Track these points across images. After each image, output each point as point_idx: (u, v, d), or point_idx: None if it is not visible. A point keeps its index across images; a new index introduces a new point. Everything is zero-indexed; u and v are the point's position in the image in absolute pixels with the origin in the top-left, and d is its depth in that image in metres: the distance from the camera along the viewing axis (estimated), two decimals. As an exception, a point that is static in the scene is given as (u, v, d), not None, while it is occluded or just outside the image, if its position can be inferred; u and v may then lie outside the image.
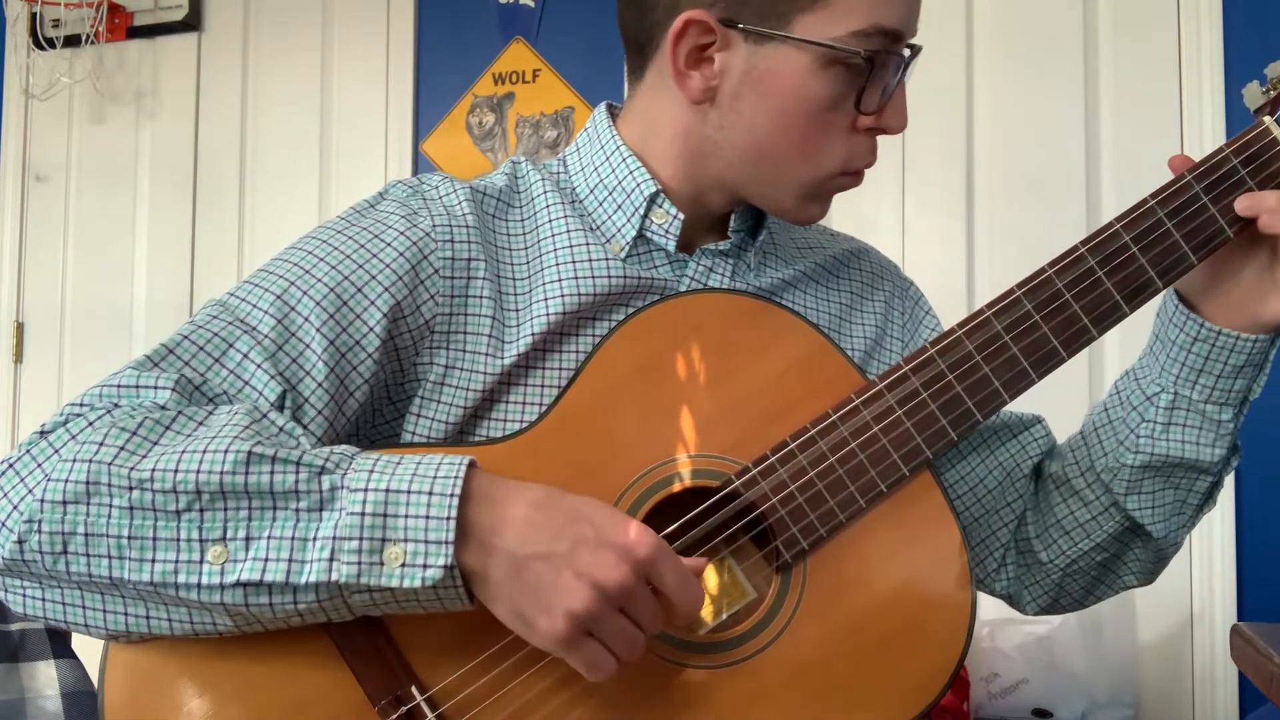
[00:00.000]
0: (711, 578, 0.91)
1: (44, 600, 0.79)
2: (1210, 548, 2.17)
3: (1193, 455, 0.99)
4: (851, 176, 0.96)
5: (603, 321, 0.94)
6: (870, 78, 0.89)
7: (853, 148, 0.93)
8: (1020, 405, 0.92)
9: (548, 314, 0.92)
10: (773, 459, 0.87)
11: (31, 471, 0.78)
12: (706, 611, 0.89)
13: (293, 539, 0.75)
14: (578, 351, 0.93)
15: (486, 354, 0.92)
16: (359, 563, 0.75)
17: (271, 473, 0.75)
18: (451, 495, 0.75)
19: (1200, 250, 0.91)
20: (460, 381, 0.91)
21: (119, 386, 0.82)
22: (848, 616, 0.86)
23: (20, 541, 0.76)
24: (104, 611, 0.79)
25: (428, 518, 0.75)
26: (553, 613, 0.75)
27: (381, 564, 0.75)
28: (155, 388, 0.82)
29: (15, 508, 0.77)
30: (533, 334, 0.92)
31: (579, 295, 0.93)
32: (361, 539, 0.75)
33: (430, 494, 0.75)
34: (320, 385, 0.87)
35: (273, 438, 0.79)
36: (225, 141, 2.99)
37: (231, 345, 0.86)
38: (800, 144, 0.92)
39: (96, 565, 0.76)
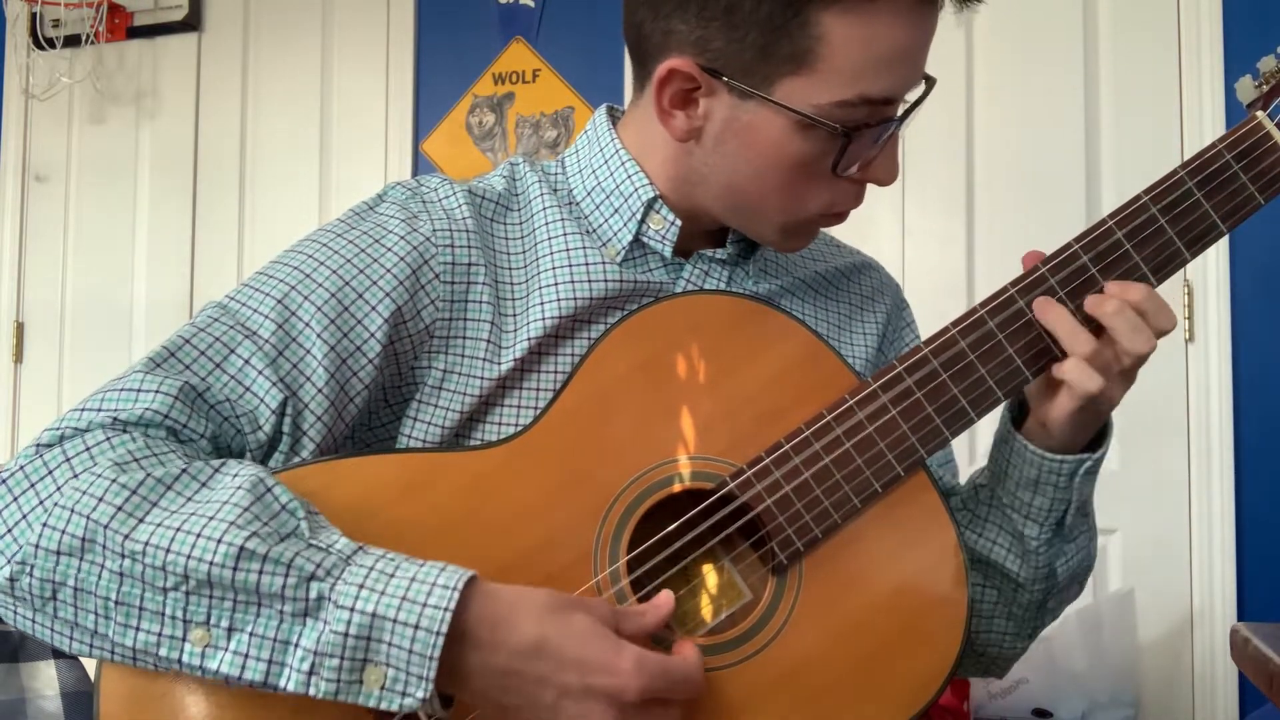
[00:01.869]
0: (708, 579, 0.90)
1: (34, 623, 0.79)
2: (1210, 548, 2.16)
3: (1000, 560, 0.97)
4: (833, 218, 0.95)
5: (598, 325, 0.94)
6: (847, 147, 0.88)
7: (836, 194, 0.92)
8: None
9: (544, 318, 0.92)
10: (767, 460, 0.87)
11: (25, 492, 0.78)
12: (703, 613, 0.89)
13: (274, 640, 0.74)
14: (573, 355, 0.93)
15: (484, 359, 0.92)
16: (338, 680, 0.74)
17: (260, 572, 0.74)
18: (438, 634, 0.73)
19: (1193, 246, 0.91)
20: (458, 386, 0.91)
21: (121, 391, 0.82)
22: (844, 617, 0.86)
23: (12, 580, 0.76)
24: (92, 646, 0.78)
25: (411, 651, 0.73)
26: None
27: (360, 683, 0.74)
28: (157, 393, 0.82)
29: (9, 531, 0.77)
30: (529, 339, 0.92)
31: (575, 299, 0.93)
32: (343, 658, 0.73)
33: (417, 627, 0.73)
34: (321, 391, 0.87)
35: (272, 520, 0.77)
36: (225, 141, 2.99)
37: (233, 350, 0.86)
38: (780, 192, 0.91)
39: (83, 617, 0.76)
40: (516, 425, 0.91)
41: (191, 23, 3.00)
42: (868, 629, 0.86)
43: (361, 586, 0.74)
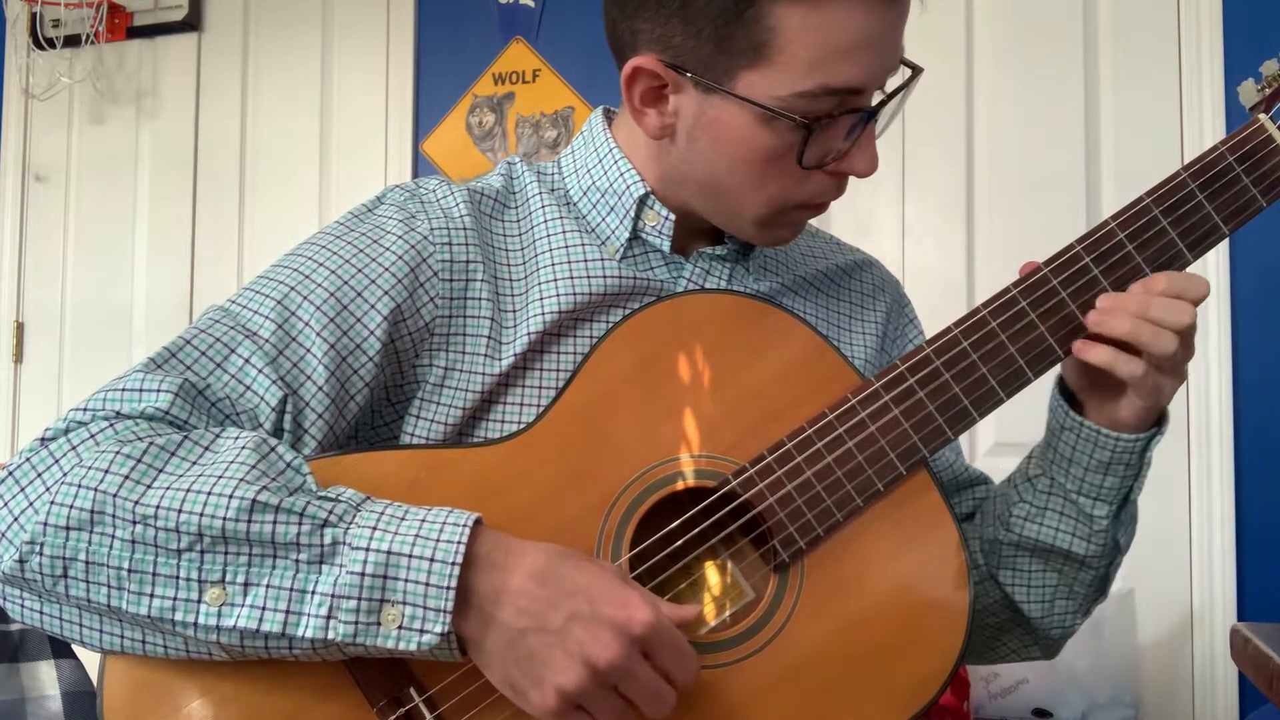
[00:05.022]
0: (710, 577, 0.91)
1: (42, 613, 0.79)
2: (1210, 548, 2.16)
3: (1065, 545, 0.97)
4: (814, 209, 0.95)
5: (599, 322, 0.94)
6: (810, 139, 0.86)
7: (815, 185, 0.91)
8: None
9: (544, 314, 0.92)
10: (770, 459, 0.87)
11: (32, 481, 0.78)
12: (705, 611, 0.89)
13: (291, 590, 0.75)
14: (574, 353, 0.93)
15: (485, 355, 0.92)
16: (356, 622, 0.74)
17: (274, 522, 0.75)
18: (453, 564, 0.75)
19: (1195, 248, 0.91)
20: (459, 383, 0.92)
21: (122, 390, 0.83)
22: (845, 616, 0.86)
23: (21, 561, 0.76)
24: (101, 632, 0.79)
25: (427, 584, 0.74)
26: (543, 688, 0.75)
27: (378, 624, 0.75)
28: (158, 391, 0.82)
29: (16, 520, 0.77)
30: (529, 335, 0.92)
31: (574, 295, 0.93)
32: (360, 599, 0.74)
33: (432, 559, 0.75)
34: (321, 389, 0.87)
35: (279, 476, 0.78)
36: (225, 141, 2.99)
37: (233, 350, 0.86)
38: (755, 186, 0.91)
39: (95, 592, 0.76)
40: (519, 422, 0.91)
41: (191, 23, 2.99)
42: (869, 628, 0.86)
43: (374, 528, 0.76)
